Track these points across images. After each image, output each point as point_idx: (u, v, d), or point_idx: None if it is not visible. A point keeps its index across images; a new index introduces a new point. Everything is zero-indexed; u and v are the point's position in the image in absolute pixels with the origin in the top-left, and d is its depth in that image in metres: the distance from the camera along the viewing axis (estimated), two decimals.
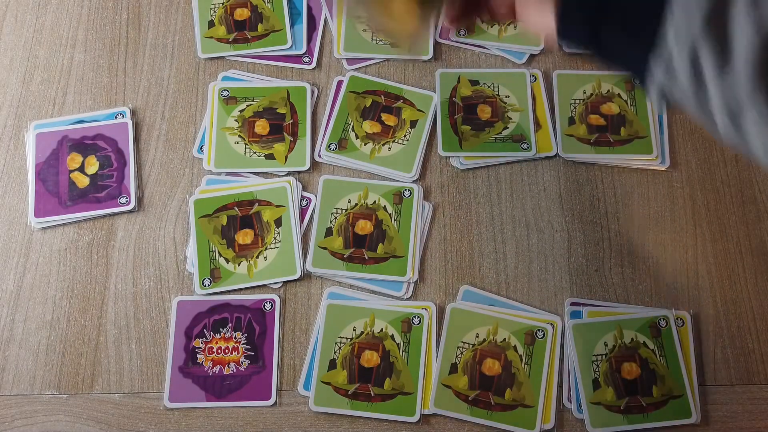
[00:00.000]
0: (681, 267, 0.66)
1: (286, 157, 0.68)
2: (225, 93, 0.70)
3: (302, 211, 0.66)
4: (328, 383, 0.60)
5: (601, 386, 0.60)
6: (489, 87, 0.71)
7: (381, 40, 0.73)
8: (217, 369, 0.61)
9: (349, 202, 0.66)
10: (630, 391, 0.60)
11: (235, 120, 0.69)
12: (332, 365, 0.60)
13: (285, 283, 0.64)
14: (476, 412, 0.59)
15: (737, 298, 0.64)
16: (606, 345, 0.61)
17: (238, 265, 0.64)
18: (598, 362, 0.61)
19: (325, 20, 0.75)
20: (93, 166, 0.67)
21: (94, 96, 0.71)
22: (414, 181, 0.68)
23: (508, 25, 0.74)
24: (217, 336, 0.62)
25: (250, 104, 0.70)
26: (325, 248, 0.64)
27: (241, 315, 0.62)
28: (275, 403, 0.60)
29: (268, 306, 0.63)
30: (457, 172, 0.69)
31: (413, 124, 0.70)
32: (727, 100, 0.34)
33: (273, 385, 0.60)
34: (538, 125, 0.70)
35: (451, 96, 0.71)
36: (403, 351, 0.61)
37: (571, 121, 0.70)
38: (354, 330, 0.62)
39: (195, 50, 0.73)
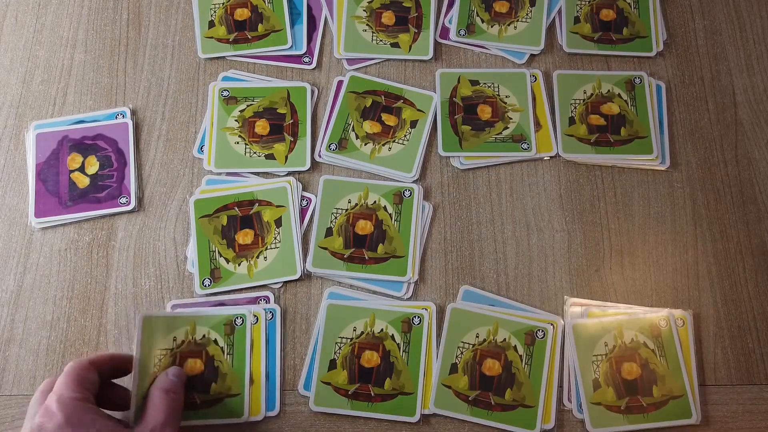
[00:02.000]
0: (681, 267, 0.66)
1: (286, 157, 0.68)
2: (225, 93, 0.70)
3: (302, 211, 0.66)
4: (329, 383, 0.60)
5: (601, 386, 0.60)
6: (489, 87, 0.71)
7: (381, 40, 0.73)
8: None
9: (349, 202, 0.66)
10: (630, 391, 0.60)
11: (236, 120, 0.69)
12: (332, 365, 0.60)
13: (285, 283, 0.64)
14: (476, 412, 0.59)
15: (737, 298, 0.64)
16: (606, 345, 0.61)
17: (239, 265, 0.64)
18: (598, 362, 0.61)
19: (325, 20, 0.75)
20: (93, 166, 0.67)
21: (94, 96, 0.71)
22: (414, 181, 0.68)
23: (509, 25, 0.74)
24: None
25: (251, 104, 0.70)
26: (326, 248, 0.64)
27: None
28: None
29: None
30: (457, 172, 0.69)
31: (413, 124, 0.70)
32: None
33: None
34: (538, 125, 0.70)
35: (451, 96, 0.71)
36: (403, 351, 0.61)
37: (572, 121, 0.70)
38: (354, 330, 0.62)
39: (195, 50, 0.73)
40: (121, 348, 0.62)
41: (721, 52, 0.74)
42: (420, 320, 0.62)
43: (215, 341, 0.60)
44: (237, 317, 0.61)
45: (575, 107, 0.71)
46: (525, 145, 0.69)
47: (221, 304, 0.62)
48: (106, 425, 0.49)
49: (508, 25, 0.74)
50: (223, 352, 0.60)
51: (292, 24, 0.74)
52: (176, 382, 0.55)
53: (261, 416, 0.59)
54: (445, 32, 0.74)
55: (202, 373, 0.59)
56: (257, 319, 0.61)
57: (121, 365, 0.55)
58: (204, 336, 0.60)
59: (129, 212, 0.66)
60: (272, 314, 0.62)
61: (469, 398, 0.60)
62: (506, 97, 0.71)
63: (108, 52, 0.73)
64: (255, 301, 0.63)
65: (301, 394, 0.60)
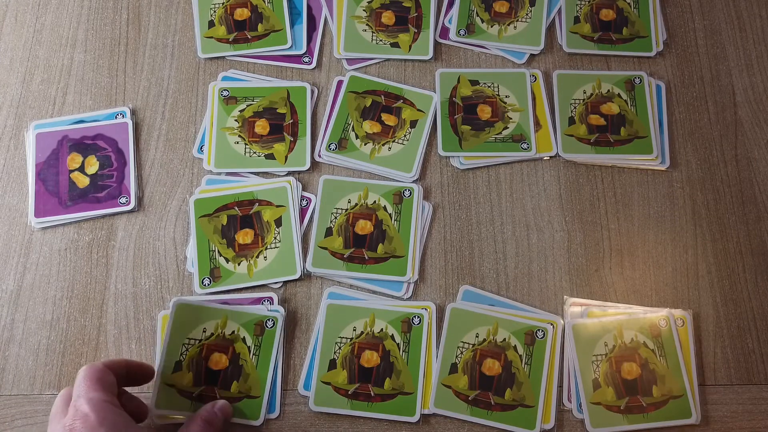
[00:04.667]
0: (681, 267, 0.66)
1: (286, 157, 0.68)
2: (225, 93, 0.70)
3: (302, 211, 0.66)
4: (328, 383, 0.60)
5: (601, 386, 0.60)
6: (489, 87, 0.71)
7: (381, 40, 0.73)
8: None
9: (349, 202, 0.66)
10: (630, 391, 0.60)
11: (235, 120, 0.69)
12: (332, 365, 0.60)
13: (285, 283, 0.64)
14: (476, 412, 0.59)
15: (737, 298, 0.64)
16: (606, 345, 0.61)
17: (238, 264, 0.64)
18: (598, 362, 0.61)
19: (325, 20, 0.75)
20: (93, 166, 0.67)
21: (94, 96, 0.71)
22: (414, 181, 0.68)
23: (508, 25, 0.74)
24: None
25: (250, 104, 0.70)
26: (325, 248, 0.64)
27: None
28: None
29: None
30: (457, 172, 0.69)
31: (413, 124, 0.70)
32: None
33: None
34: (538, 125, 0.70)
35: (451, 96, 0.71)
36: (403, 351, 0.61)
37: (571, 121, 0.70)
38: (354, 330, 0.62)
39: (195, 50, 0.73)
40: (120, 347, 0.62)
41: (721, 52, 0.74)
42: (420, 320, 0.62)
43: (244, 339, 0.60)
44: (269, 319, 0.61)
45: (575, 107, 0.71)
46: (525, 145, 0.69)
47: (225, 303, 0.62)
48: (134, 426, 0.48)
49: (508, 25, 0.74)
50: (250, 352, 0.60)
51: (292, 24, 0.74)
52: (219, 418, 0.54)
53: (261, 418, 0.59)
54: (445, 32, 0.74)
55: (225, 369, 0.59)
56: (274, 323, 0.61)
57: (135, 372, 0.55)
58: (233, 332, 0.60)
59: (129, 212, 0.66)
60: (274, 322, 0.62)
61: (469, 398, 0.60)
62: (506, 97, 0.71)
63: (108, 52, 0.73)
64: (259, 301, 0.63)
65: (301, 394, 0.60)
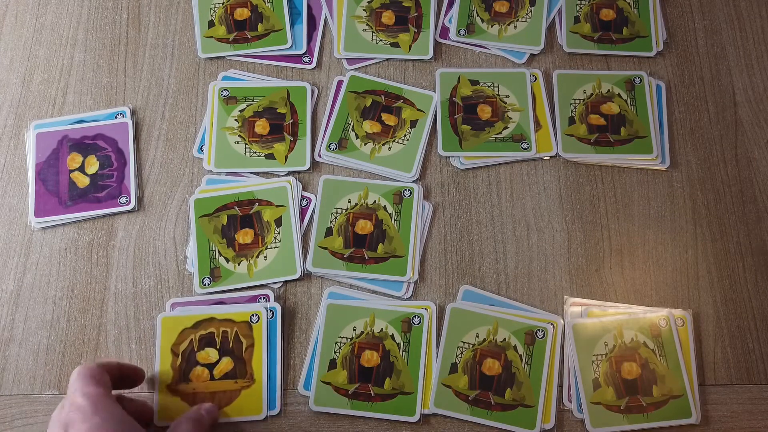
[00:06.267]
0: (681, 267, 0.66)
1: (286, 157, 0.68)
2: (225, 93, 0.70)
3: (302, 211, 0.66)
4: (328, 383, 0.60)
5: (601, 386, 0.60)
6: (489, 87, 0.71)
7: (381, 40, 0.73)
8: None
9: (349, 201, 0.66)
10: (630, 391, 0.60)
11: (235, 120, 0.69)
12: (332, 365, 0.60)
13: (285, 282, 0.64)
14: (476, 412, 0.59)
15: (737, 298, 0.64)
16: (606, 345, 0.61)
17: (238, 264, 0.64)
18: (598, 362, 0.61)
19: (325, 20, 0.75)
20: (93, 165, 0.67)
21: (94, 96, 0.71)
22: (414, 181, 0.68)
23: (509, 24, 0.74)
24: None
25: (250, 104, 0.70)
26: (325, 248, 0.64)
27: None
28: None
29: (265, 307, 0.63)
30: (457, 172, 0.69)
31: (413, 123, 0.70)
32: None
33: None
34: (538, 125, 0.70)
35: (451, 96, 0.71)
36: (403, 351, 0.61)
37: (571, 120, 0.70)
38: (354, 330, 0.62)
39: (195, 50, 0.73)
40: (120, 347, 0.62)
41: (721, 52, 0.74)
42: (420, 320, 0.62)
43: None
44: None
45: (575, 107, 0.71)
46: (525, 145, 0.69)
47: (221, 302, 0.62)
48: (129, 418, 0.49)
49: (508, 24, 0.74)
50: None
51: (292, 24, 0.74)
52: (206, 419, 0.55)
53: (263, 415, 0.59)
54: (445, 32, 0.74)
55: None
56: (258, 317, 0.61)
57: (127, 374, 0.56)
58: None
59: (129, 212, 0.66)
60: (273, 313, 0.62)
61: (469, 398, 0.60)
62: (506, 96, 0.71)
63: (108, 51, 0.73)
64: (255, 299, 0.63)
65: (301, 393, 0.60)
